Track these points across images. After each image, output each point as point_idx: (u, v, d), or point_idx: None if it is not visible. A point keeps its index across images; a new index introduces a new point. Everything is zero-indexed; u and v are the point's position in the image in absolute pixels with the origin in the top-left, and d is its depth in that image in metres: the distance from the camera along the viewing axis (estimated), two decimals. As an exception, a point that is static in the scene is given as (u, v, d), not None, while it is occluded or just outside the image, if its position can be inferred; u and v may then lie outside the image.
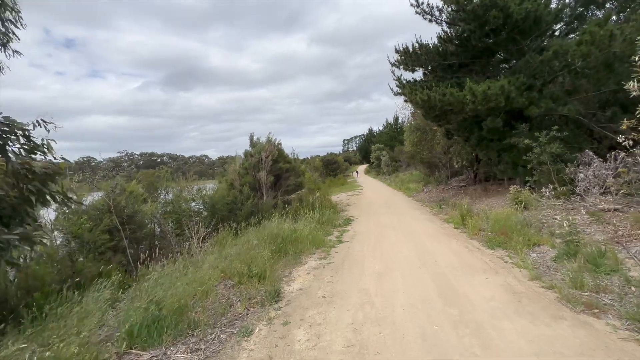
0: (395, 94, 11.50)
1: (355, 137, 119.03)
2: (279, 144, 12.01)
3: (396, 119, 47.95)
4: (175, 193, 10.98)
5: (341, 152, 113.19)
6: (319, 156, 48.62)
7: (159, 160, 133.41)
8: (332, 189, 27.13)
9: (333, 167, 45.71)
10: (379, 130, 55.85)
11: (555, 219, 6.36)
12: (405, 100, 11.51)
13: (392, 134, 45.52)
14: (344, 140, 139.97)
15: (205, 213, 10.63)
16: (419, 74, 12.17)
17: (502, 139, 9.31)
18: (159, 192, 10.24)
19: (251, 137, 11.57)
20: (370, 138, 61.62)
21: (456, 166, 14.93)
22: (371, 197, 17.04)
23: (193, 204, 11.02)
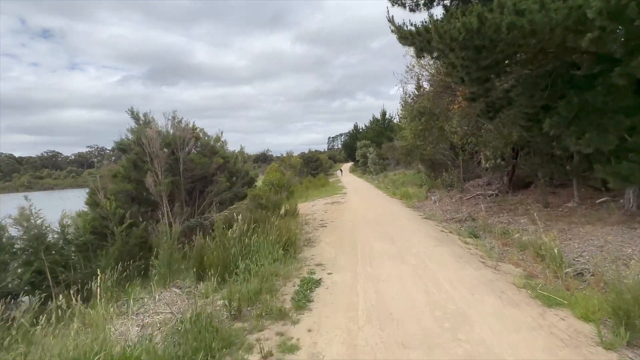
0: (400, 39, 6.51)
1: (341, 134, 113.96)
2: (195, 127, 6.75)
3: (384, 113, 43.43)
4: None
5: (326, 149, 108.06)
6: (302, 153, 43.41)
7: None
8: (310, 191, 22.13)
9: (314, 166, 40.86)
10: (365, 126, 51.20)
11: None
12: (422, 50, 6.49)
13: (380, 129, 41.18)
14: (329, 137, 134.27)
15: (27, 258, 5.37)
16: (437, 12, 7.27)
17: (634, 111, 4.44)
18: None
19: (133, 112, 6.11)
20: (355, 134, 56.84)
21: (486, 165, 10.10)
22: (358, 208, 11.97)
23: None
